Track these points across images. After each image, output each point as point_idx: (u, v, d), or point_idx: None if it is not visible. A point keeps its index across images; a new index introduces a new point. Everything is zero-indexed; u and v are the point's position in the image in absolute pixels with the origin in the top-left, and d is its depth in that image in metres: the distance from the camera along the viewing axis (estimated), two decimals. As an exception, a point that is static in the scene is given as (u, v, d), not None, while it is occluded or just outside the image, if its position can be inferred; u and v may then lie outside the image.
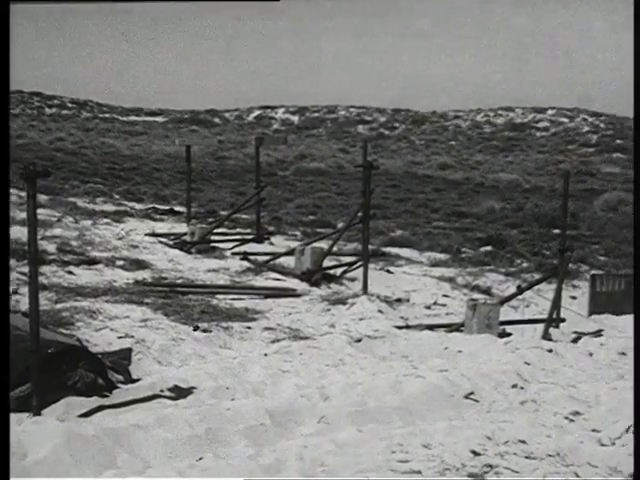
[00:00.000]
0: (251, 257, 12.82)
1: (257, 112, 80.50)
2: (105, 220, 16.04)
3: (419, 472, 4.70)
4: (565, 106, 76.83)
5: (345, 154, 47.65)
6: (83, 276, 10.36)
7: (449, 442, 5.07)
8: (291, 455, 4.82)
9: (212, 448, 4.94)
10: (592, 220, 21.78)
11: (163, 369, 6.68)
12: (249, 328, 8.45)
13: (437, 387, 6.21)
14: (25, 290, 6.86)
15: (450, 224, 20.36)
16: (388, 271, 12.59)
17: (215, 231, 14.71)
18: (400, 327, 8.98)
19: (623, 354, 7.75)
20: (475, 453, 4.93)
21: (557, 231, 16.08)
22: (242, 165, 35.35)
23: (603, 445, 5.18)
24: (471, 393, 6.25)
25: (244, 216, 17.53)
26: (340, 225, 16.99)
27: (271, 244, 14.91)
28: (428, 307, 10.50)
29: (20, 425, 4.89)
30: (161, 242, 14.11)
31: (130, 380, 6.32)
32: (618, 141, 61.92)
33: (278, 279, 11.38)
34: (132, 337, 7.36)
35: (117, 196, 21.64)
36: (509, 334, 8.82)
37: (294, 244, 13.93)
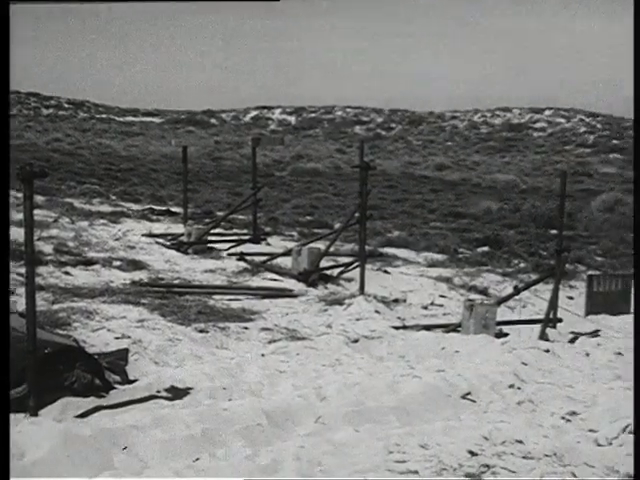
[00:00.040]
0: (248, 258, 12.81)
1: (254, 112, 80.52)
2: (102, 221, 16.02)
3: (416, 472, 4.70)
4: (562, 106, 76.99)
5: (342, 155, 47.70)
6: (80, 277, 10.35)
7: (446, 442, 5.07)
8: (288, 455, 4.82)
9: (209, 448, 4.93)
10: (589, 220, 21.80)
11: (160, 370, 6.67)
12: (246, 328, 8.44)
13: (434, 387, 6.21)
14: (22, 291, 6.85)
15: (447, 225, 20.38)
16: (385, 271, 12.60)
17: (212, 232, 14.69)
18: (397, 327, 8.98)
19: (620, 354, 7.76)
20: (472, 453, 4.93)
21: (554, 231, 16.09)
22: (239, 166, 35.35)
23: (600, 445, 5.19)
24: (468, 393, 6.25)
25: (241, 217, 17.53)
26: (337, 226, 17.00)
27: (268, 245, 14.90)
28: (425, 307, 10.50)
29: (17, 426, 4.88)
30: (158, 243, 14.09)
31: (127, 381, 6.31)
32: (615, 141, 62.05)
33: (275, 279, 11.37)
34: (129, 338, 7.35)
35: (114, 197, 21.62)
36: (506, 334, 8.82)
37: (291, 245, 13.93)
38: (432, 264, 13.96)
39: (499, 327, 9.01)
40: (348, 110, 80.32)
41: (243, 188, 23.39)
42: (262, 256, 13.04)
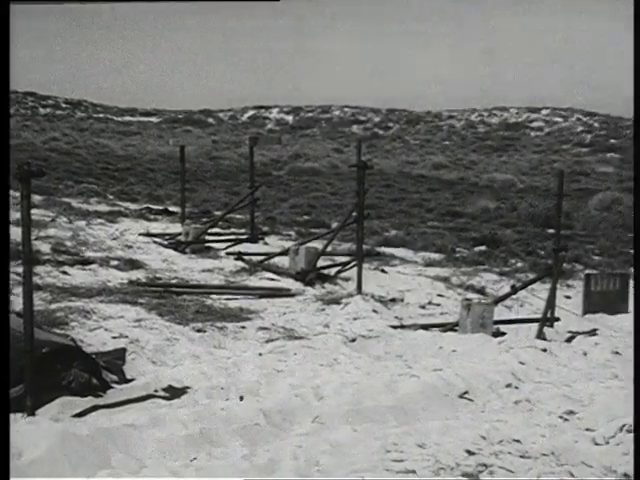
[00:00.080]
0: (245, 257, 12.81)
1: (251, 112, 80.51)
2: (99, 220, 16.02)
3: (414, 472, 4.70)
4: (559, 106, 77.06)
5: (339, 154, 47.70)
6: (77, 276, 10.34)
7: (444, 441, 5.07)
8: (285, 455, 4.82)
9: (206, 448, 4.93)
10: (586, 220, 21.82)
11: (157, 369, 6.67)
12: (243, 328, 8.44)
13: (432, 386, 6.21)
14: (19, 290, 6.84)
15: (444, 224, 20.38)
16: (382, 271, 12.60)
17: (209, 231, 14.69)
18: (394, 327, 8.98)
19: (618, 353, 7.76)
20: (470, 452, 4.94)
21: (551, 231, 16.13)
22: (236, 165, 35.36)
23: (597, 444, 5.19)
24: (465, 392, 6.25)
25: (238, 216, 17.53)
26: (334, 225, 16.99)
27: (265, 244, 14.91)
28: (422, 307, 10.50)
29: (14, 425, 4.88)
30: (155, 242, 14.09)
31: (124, 380, 6.30)
32: (612, 141, 62.11)
33: (272, 279, 11.37)
34: (126, 337, 7.35)
35: (111, 196, 21.62)
36: (503, 333, 8.82)
37: (288, 244, 13.93)
38: (429, 263, 13.96)
39: (496, 326, 9.01)
40: (346, 110, 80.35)
41: (241, 187, 23.40)
42: (259, 255, 13.04)
